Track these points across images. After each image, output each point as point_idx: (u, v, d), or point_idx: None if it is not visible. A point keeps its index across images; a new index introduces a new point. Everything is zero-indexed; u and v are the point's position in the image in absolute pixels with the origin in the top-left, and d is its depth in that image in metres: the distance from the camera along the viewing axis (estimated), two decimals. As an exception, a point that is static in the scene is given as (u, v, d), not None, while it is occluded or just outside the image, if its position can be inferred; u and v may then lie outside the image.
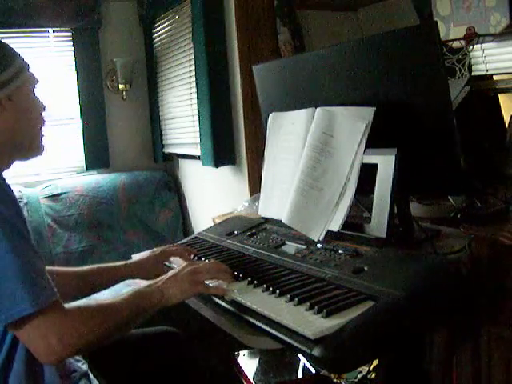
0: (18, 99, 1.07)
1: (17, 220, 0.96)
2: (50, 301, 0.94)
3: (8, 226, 0.94)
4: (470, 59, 1.66)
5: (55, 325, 0.94)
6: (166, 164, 3.36)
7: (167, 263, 1.40)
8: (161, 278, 1.14)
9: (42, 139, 1.15)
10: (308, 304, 0.96)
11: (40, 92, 1.14)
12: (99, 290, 1.39)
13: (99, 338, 1.01)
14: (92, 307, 1.03)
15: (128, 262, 1.40)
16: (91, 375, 1.21)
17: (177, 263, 1.37)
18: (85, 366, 1.22)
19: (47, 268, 1.32)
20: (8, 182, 1.00)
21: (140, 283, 1.18)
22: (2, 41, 1.10)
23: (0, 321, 0.95)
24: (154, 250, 1.43)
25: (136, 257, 1.59)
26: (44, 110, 1.14)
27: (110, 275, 1.37)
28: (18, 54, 1.10)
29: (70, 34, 3.11)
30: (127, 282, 1.43)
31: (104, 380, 1.23)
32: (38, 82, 1.13)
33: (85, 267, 1.39)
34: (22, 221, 0.98)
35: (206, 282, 1.15)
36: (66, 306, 1.00)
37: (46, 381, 1.05)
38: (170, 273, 1.16)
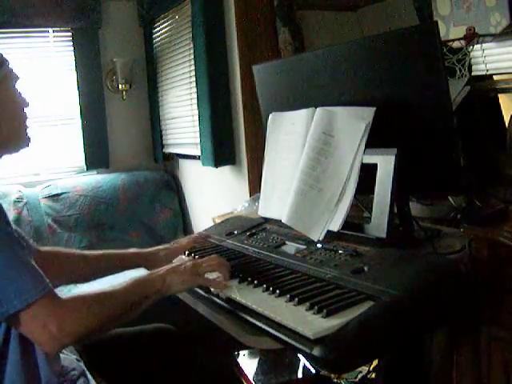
0: None
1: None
2: (41, 293, 0.96)
3: None
4: (470, 59, 1.66)
5: (52, 313, 0.96)
6: (166, 164, 3.36)
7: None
8: (162, 267, 1.16)
9: (27, 131, 1.15)
10: (308, 304, 0.96)
11: (22, 88, 1.14)
12: (107, 275, 1.40)
13: (100, 325, 1.02)
14: (90, 295, 1.04)
15: (139, 250, 1.42)
16: (89, 373, 1.21)
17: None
18: (83, 365, 1.22)
19: (56, 249, 1.37)
20: None
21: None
22: None
23: None
24: (168, 245, 1.44)
25: None
26: (27, 105, 1.14)
27: (119, 262, 1.39)
28: None
29: (69, 33, 3.11)
30: (127, 274, 1.43)
31: (102, 378, 1.24)
32: (18, 78, 1.13)
33: (95, 251, 1.41)
34: (4, 222, 0.99)
35: (207, 275, 1.16)
36: (66, 296, 1.01)
37: (42, 377, 1.05)
38: (172, 263, 1.19)
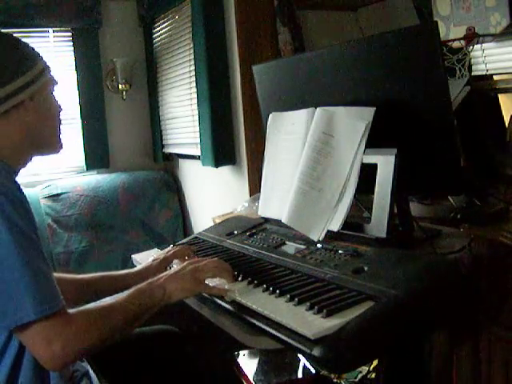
0: (39, 100, 1.10)
1: (29, 229, 0.98)
2: (55, 308, 0.95)
3: (21, 236, 0.95)
4: (470, 59, 1.66)
5: (59, 332, 0.94)
6: (166, 164, 3.36)
7: (169, 266, 1.38)
8: (162, 274, 1.15)
9: (61, 137, 1.18)
10: (308, 304, 0.96)
11: (57, 93, 1.17)
12: (101, 298, 1.38)
13: (102, 341, 1.01)
14: (94, 311, 1.03)
15: (131, 270, 1.39)
16: (92, 374, 1.21)
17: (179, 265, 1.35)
18: (86, 365, 1.22)
19: None
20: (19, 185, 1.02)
21: None
22: (26, 42, 1.11)
23: (5, 326, 0.95)
24: (155, 257, 1.42)
25: (136, 258, 1.59)
26: (61, 110, 1.18)
27: (113, 284, 1.37)
28: (40, 55, 1.12)
29: (69, 33, 3.11)
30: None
31: (104, 379, 1.24)
32: (56, 83, 1.16)
33: (87, 275, 1.39)
34: (33, 229, 0.99)
35: (207, 280, 1.15)
36: (69, 311, 1.00)
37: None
38: (172, 270, 1.17)
